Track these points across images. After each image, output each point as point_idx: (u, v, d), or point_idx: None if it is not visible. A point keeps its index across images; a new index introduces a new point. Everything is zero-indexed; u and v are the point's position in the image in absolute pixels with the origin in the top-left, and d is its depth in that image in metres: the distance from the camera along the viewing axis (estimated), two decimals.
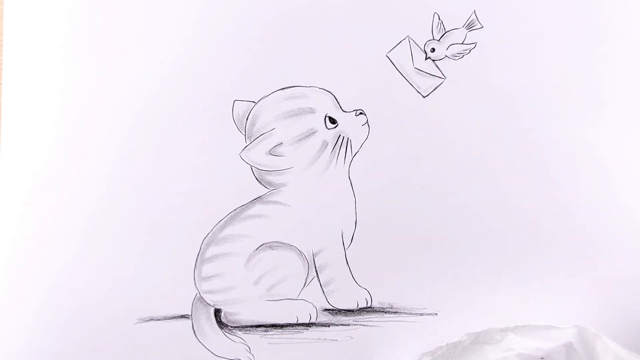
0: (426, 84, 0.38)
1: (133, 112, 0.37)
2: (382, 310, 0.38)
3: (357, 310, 0.38)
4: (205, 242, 0.37)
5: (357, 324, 0.38)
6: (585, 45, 0.39)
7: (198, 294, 0.37)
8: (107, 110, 0.37)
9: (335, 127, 0.38)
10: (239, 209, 0.37)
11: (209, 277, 0.37)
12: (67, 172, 0.37)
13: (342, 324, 0.38)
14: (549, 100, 0.39)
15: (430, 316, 0.38)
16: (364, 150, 0.38)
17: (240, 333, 0.38)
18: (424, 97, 0.38)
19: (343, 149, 0.38)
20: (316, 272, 0.38)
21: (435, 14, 0.38)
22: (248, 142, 0.37)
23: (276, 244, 0.38)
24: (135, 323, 0.37)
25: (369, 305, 0.38)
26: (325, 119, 0.38)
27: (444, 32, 0.38)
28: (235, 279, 0.37)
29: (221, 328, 0.38)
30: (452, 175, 0.38)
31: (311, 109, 0.38)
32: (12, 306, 0.36)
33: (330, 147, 0.38)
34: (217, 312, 0.38)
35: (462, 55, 0.39)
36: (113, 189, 0.37)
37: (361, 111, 0.38)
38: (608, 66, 0.39)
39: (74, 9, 0.37)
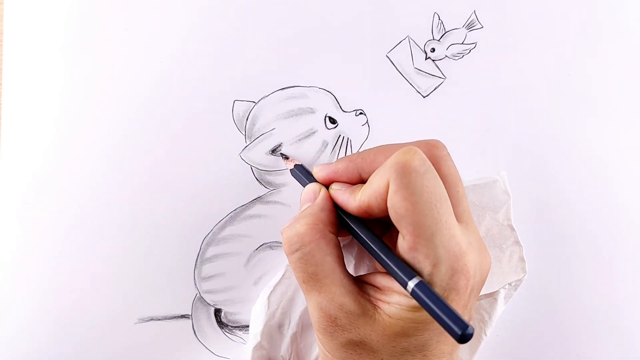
0: (426, 84, 0.38)
1: (133, 112, 0.37)
2: None
3: None
4: (205, 242, 0.37)
5: None
6: (585, 45, 0.39)
7: (198, 294, 0.37)
8: (107, 110, 0.37)
9: (335, 127, 0.38)
10: (239, 209, 0.37)
11: (209, 277, 0.37)
12: (67, 172, 0.37)
13: None
14: (549, 100, 0.39)
15: None
16: None
17: (240, 333, 0.38)
18: (424, 97, 0.38)
19: (343, 149, 0.38)
20: None
21: (435, 14, 0.38)
22: (248, 142, 0.37)
23: (276, 244, 0.38)
24: (135, 323, 0.37)
25: None
26: (325, 119, 0.38)
27: (444, 32, 0.38)
28: (235, 279, 0.37)
29: (221, 328, 0.38)
30: None
31: (311, 109, 0.38)
32: (12, 306, 0.36)
33: (330, 147, 0.38)
34: (217, 312, 0.38)
35: (462, 55, 0.39)
36: (113, 188, 0.37)
37: (361, 111, 0.38)
38: (608, 66, 0.39)
39: (74, 9, 0.37)
